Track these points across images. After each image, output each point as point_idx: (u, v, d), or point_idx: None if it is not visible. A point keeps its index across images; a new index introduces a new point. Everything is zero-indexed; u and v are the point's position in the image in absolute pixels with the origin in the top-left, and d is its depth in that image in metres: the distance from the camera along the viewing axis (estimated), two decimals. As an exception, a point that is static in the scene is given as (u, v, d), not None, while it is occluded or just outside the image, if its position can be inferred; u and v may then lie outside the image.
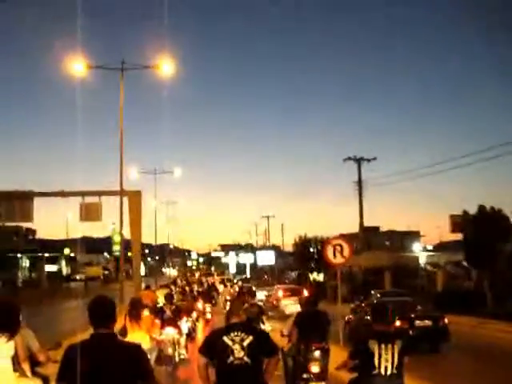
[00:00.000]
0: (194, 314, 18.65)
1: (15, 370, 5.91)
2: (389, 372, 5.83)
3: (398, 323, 15.30)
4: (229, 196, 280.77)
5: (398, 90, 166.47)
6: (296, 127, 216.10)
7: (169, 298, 15.33)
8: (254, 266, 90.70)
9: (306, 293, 27.14)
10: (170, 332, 12.39)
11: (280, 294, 30.13)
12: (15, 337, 5.90)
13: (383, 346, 5.88)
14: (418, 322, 16.51)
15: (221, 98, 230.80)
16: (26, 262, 72.81)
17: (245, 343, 5.42)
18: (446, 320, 17.10)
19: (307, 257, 47.54)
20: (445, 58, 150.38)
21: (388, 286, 34.40)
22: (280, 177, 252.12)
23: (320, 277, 47.43)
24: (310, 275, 48.94)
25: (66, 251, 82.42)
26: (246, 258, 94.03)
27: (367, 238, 65.46)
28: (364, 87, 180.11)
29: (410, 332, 15.62)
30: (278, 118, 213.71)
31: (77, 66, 24.07)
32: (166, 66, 25.01)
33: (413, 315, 16.67)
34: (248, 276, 77.39)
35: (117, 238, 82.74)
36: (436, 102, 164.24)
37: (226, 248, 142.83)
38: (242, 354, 5.37)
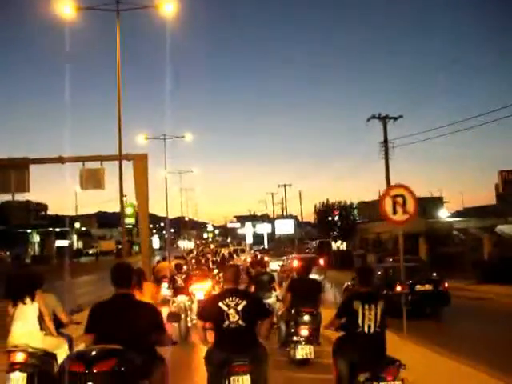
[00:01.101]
0: (210, 283, 18.49)
1: (42, 329, 6.68)
2: (372, 330, 6.17)
3: (398, 288, 15.52)
4: (244, 166, 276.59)
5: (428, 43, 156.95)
6: (316, 91, 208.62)
7: (179, 267, 15.81)
8: (271, 236, 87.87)
9: (322, 262, 26.99)
10: (181, 299, 13.62)
11: (295, 263, 27.41)
12: (38, 300, 6.69)
13: (366, 306, 6.22)
14: (418, 287, 16.87)
15: (237, 50, 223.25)
16: (36, 238, 70.73)
17: (239, 307, 5.72)
18: (447, 284, 17.41)
19: (330, 224, 44.12)
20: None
21: (423, 253, 31.22)
22: (299, 144, 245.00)
23: (344, 246, 44.32)
24: (333, 243, 45.69)
25: (77, 225, 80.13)
26: (263, 228, 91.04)
27: (369, 209, 62.66)
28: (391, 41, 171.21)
29: (410, 297, 15.49)
30: (298, 80, 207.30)
31: (66, 9, 20.73)
32: (168, 6, 21.30)
33: (413, 280, 16.66)
34: (265, 246, 74.62)
35: (129, 211, 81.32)
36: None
37: (241, 219, 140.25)
38: (236, 317, 5.68)
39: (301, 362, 9.73)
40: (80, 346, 6.27)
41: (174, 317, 8.46)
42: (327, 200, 44.88)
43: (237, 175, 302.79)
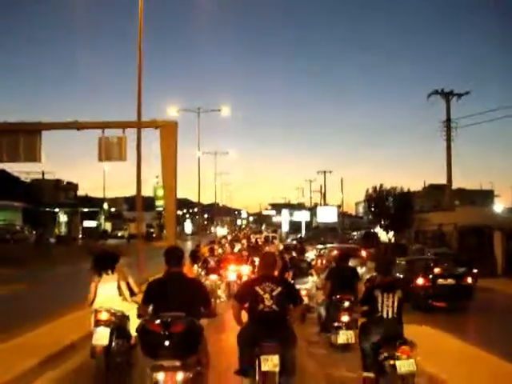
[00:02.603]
0: (246, 267, 18.93)
1: (120, 295, 8.34)
2: (390, 316, 6.78)
3: (420, 281, 16.74)
4: (282, 149, 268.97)
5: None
6: (367, 67, 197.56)
7: (211, 251, 18.33)
8: (308, 224, 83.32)
9: (364, 254, 25.57)
10: (212, 278, 15.69)
11: (334, 253, 24.89)
12: (116, 273, 8.36)
13: (385, 294, 6.82)
14: (440, 281, 16.89)
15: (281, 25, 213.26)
16: (63, 218, 67.82)
17: (274, 293, 6.14)
18: (470, 279, 17.37)
19: (382, 212, 39.22)
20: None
21: (498, 250, 26.46)
22: (342, 127, 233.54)
23: (394, 238, 39.54)
24: (383, 234, 40.81)
25: (105, 206, 77.11)
26: (301, 216, 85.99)
27: (435, 196, 57.19)
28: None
29: (431, 291, 16.52)
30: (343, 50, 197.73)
31: None
32: None
33: (435, 273, 17.05)
34: (303, 235, 70.22)
35: (160, 193, 77.96)
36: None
37: (276, 207, 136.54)
38: (270, 302, 6.10)
39: (342, 347, 10.00)
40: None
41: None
42: (381, 185, 40.17)
43: (274, 160, 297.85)
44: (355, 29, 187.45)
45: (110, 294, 8.21)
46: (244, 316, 6.40)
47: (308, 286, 13.69)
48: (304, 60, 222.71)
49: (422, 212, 39.63)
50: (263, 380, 5.85)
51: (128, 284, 8.48)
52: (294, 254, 17.02)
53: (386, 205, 39.17)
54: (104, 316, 7.94)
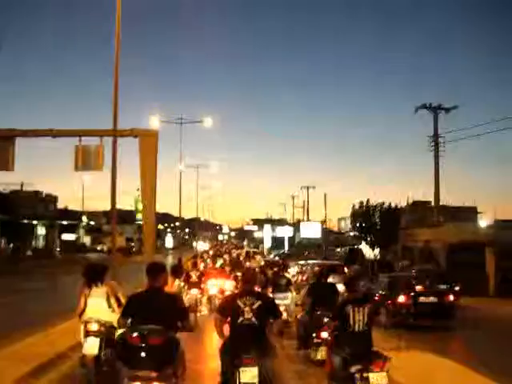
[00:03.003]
0: (228, 281, 18.84)
1: (109, 306, 8.53)
2: (361, 328, 7.11)
3: (401, 298, 16.46)
4: (264, 165, 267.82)
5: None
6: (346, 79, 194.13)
7: (194, 265, 18.64)
8: (291, 240, 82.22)
9: (346, 270, 24.75)
10: (193, 292, 16.51)
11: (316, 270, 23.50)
12: (105, 285, 8.67)
13: (356, 308, 7.15)
14: (422, 299, 16.60)
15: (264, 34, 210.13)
16: (41, 230, 66.26)
17: (254, 306, 6.40)
18: (452, 297, 16.99)
19: (367, 228, 38.16)
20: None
21: (491, 268, 25.64)
22: (324, 141, 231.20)
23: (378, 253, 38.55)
24: (369, 251, 39.73)
25: (85, 219, 75.48)
26: (284, 232, 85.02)
27: (419, 212, 56.29)
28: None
29: (413, 309, 16.29)
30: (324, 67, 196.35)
31: None
32: None
33: (416, 291, 16.76)
34: (286, 251, 69.13)
35: (141, 206, 76.37)
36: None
37: (258, 223, 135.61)
38: (250, 315, 6.36)
39: (322, 363, 9.80)
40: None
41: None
42: (367, 200, 39.21)
43: (255, 175, 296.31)
44: (339, 41, 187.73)
45: (100, 306, 8.50)
46: (226, 329, 6.63)
47: (287, 301, 14.31)
48: (290, 72, 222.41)
49: (408, 228, 38.73)
50: None
51: (116, 296, 8.73)
52: (275, 269, 17.72)
53: (373, 220, 38.22)
54: (94, 327, 8.29)
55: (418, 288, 17.02)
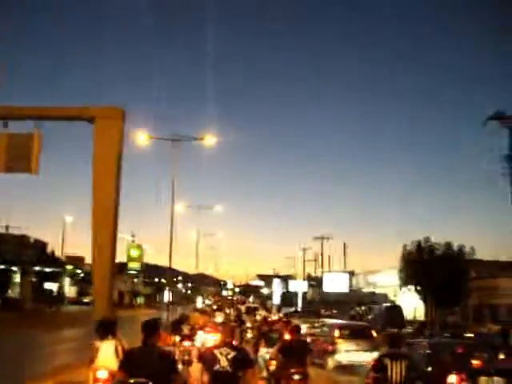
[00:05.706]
0: (213, 335, 19.22)
1: (117, 356, 8.93)
2: (398, 381, 8.04)
3: (452, 379, 11.92)
4: (271, 220, 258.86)
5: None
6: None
7: (186, 319, 19.12)
8: (304, 296, 72.89)
9: (374, 334, 20.37)
10: (185, 344, 16.94)
11: (336, 333, 20.72)
12: (115, 339, 9.33)
13: (394, 362, 8.17)
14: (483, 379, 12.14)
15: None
16: (17, 278, 58.76)
17: (229, 356, 7.08)
18: None
19: (425, 275, 27.97)
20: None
21: None
22: (338, 191, 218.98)
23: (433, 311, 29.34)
24: (420, 306, 30.14)
25: (69, 267, 67.47)
26: (298, 286, 75.25)
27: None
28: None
29: None
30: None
31: None
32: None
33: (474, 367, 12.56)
34: (298, 309, 60.02)
35: (133, 253, 68.33)
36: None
37: (264, 278, 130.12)
38: (226, 364, 7.05)
39: None
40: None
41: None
42: (427, 238, 29.83)
43: (262, 230, 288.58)
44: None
45: (109, 355, 9.13)
46: (205, 376, 7.23)
47: (268, 356, 13.92)
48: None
49: (482, 278, 29.01)
50: None
51: (123, 348, 9.20)
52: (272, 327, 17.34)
53: (430, 268, 28.21)
54: (104, 375, 9.05)
55: (475, 363, 12.49)
